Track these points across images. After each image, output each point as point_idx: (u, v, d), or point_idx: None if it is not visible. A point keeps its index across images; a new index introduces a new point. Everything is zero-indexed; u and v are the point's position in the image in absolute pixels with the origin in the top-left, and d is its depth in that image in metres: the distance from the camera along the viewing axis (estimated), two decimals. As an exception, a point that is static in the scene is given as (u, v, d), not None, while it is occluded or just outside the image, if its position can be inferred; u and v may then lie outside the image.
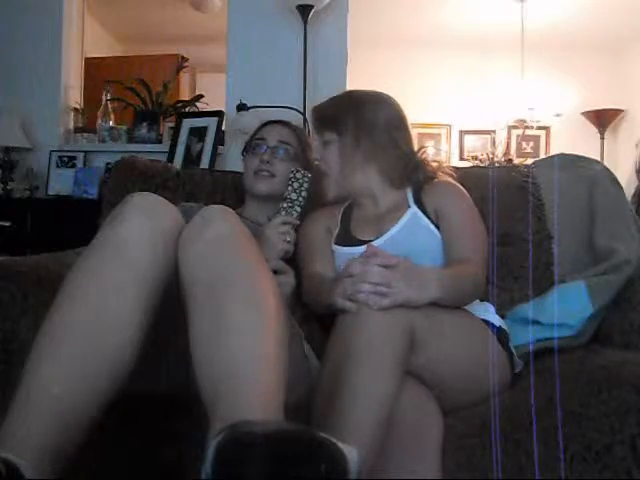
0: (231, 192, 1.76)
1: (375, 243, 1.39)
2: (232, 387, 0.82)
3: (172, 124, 3.23)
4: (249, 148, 1.65)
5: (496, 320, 1.34)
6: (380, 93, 1.51)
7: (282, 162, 1.58)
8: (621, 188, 1.63)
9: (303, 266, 1.45)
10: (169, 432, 1.05)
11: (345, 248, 1.44)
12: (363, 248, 1.35)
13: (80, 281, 0.91)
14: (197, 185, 1.81)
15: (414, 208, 1.42)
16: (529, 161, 2.03)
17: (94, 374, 0.86)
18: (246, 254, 0.98)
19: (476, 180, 1.62)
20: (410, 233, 1.40)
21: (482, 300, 1.41)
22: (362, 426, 0.96)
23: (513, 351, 1.32)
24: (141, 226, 0.95)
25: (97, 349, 0.87)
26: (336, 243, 1.47)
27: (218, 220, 0.99)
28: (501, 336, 1.31)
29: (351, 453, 0.71)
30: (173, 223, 0.99)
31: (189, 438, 0.98)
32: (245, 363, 0.85)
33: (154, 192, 1.03)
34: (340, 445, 0.70)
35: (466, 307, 1.30)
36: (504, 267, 1.56)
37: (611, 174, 1.64)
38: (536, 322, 1.41)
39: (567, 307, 1.41)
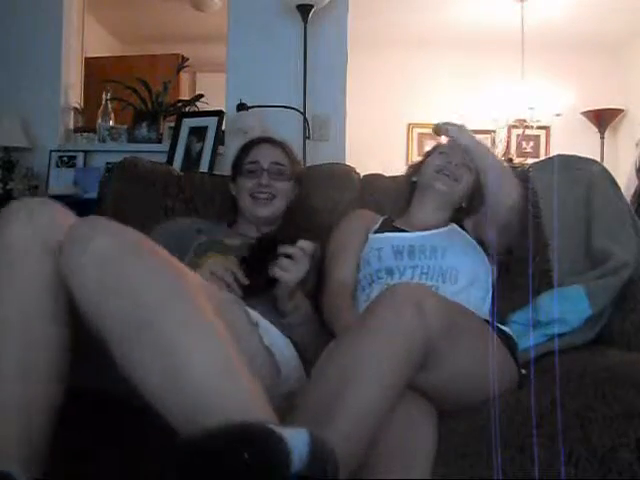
0: (230, 196, 1.75)
1: (420, 234, 1.48)
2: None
3: (172, 124, 3.22)
4: (241, 171, 1.66)
5: (506, 329, 1.32)
6: None
7: (280, 182, 1.64)
8: (619, 188, 1.63)
9: (327, 263, 1.51)
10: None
11: (382, 234, 1.50)
12: (401, 234, 1.47)
13: None
14: (197, 190, 1.82)
15: (454, 226, 1.55)
16: (529, 161, 2.03)
17: (35, 366, 0.85)
18: (144, 261, 0.87)
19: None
20: (453, 235, 1.50)
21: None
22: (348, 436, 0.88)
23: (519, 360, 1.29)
24: (22, 229, 0.90)
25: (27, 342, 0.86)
26: (374, 232, 1.53)
27: (95, 236, 0.86)
28: (511, 344, 1.29)
29: (294, 437, 0.68)
30: (55, 222, 0.92)
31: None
32: (216, 394, 0.81)
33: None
34: (277, 429, 0.68)
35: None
36: (503, 276, 1.54)
37: (609, 174, 1.63)
38: (535, 322, 1.41)
39: (566, 308, 1.41)
